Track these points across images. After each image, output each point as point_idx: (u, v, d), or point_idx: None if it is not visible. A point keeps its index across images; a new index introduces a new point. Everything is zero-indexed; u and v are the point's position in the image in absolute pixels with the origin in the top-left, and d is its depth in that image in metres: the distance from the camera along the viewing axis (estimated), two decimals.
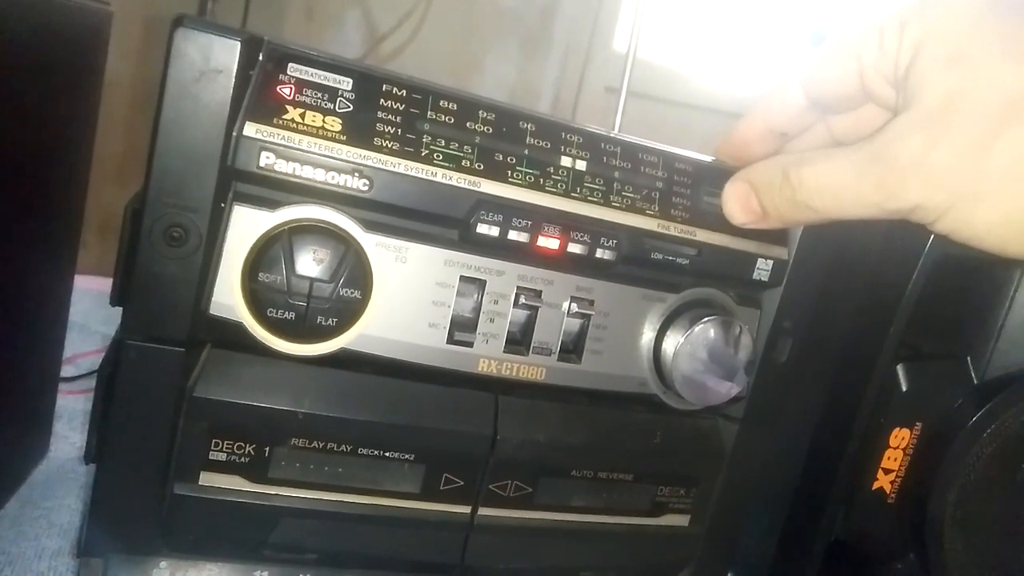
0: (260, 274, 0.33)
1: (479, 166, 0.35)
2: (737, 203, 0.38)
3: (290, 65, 0.32)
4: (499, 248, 0.36)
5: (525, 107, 0.37)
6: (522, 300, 0.37)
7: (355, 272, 0.34)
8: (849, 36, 0.35)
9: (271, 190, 0.33)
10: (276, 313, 0.33)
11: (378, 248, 0.34)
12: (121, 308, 0.32)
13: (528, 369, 0.38)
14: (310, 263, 0.33)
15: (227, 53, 0.31)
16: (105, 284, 0.37)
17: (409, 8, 1.50)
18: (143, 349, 0.32)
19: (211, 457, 0.34)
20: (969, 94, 0.31)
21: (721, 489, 0.43)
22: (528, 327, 0.37)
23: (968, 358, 0.41)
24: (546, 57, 1.69)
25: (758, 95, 0.40)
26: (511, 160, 0.35)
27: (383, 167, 0.33)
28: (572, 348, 0.39)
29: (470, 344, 0.36)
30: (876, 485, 0.41)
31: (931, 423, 0.41)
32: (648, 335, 0.39)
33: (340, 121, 0.33)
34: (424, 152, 0.34)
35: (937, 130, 0.31)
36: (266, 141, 0.32)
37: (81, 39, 0.46)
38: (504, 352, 0.37)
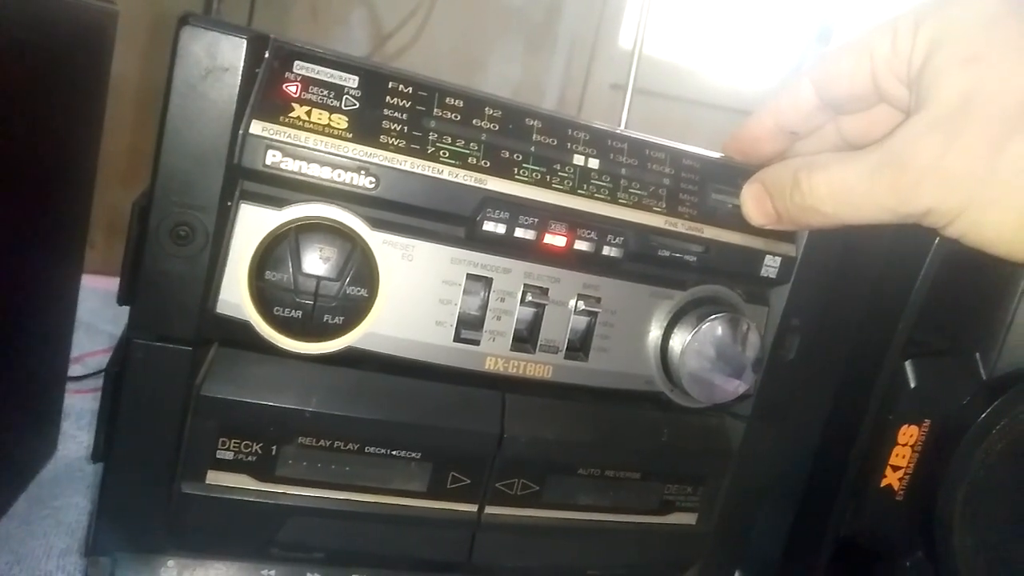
0: (267, 272, 0.33)
1: (485, 163, 0.35)
2: (754, 205, 0.37)
3: (296, 63, 0.32)
4: (506, 246, 0.36)
5: (531, 104, 0.37)
6: (529, 298, 0.37)
7: (362, 270, 0.34)
8: (862, 35, 0.35)
9: (278, 188, 0.33)
10: (283, 311, 0.33)
11: (385, 246, 0.34)
12: (128, 307, 0.33)
13: (535, 367, 0.38)
14: (317, 261, 0.33)
15: (233, 51, 0.31)
16: (112, 283, 0.37)
17: (414, 6, 1.49)
18: (150, 348, 0.32)
19: (218, 456, 0.34)
20: (984, 95, 0.30)
21: (729, 487, 0.43)
22: (535, 325, 0.37)
23: (977, 354, 0.41)
24: (551, 54, 1.68)
25: (764, 91, 0.40)
26: (517, 157, 0.35)
27: (389, 165, 0.33)
28: (579, 346, 0.38)
29: (477, 342, 0.36)
30: (884, 482, 0.41)
31: (940, 420, 0.41)
32: (655, 333, 0.39)
33: (346, 119, 0.33)
34: (430, 149, 0.34)
35: (951, 131, 0.31)
36: (272, 139, 0.32)
37: (87, 38, 0.46)
38: (511, 350, 0.37)
